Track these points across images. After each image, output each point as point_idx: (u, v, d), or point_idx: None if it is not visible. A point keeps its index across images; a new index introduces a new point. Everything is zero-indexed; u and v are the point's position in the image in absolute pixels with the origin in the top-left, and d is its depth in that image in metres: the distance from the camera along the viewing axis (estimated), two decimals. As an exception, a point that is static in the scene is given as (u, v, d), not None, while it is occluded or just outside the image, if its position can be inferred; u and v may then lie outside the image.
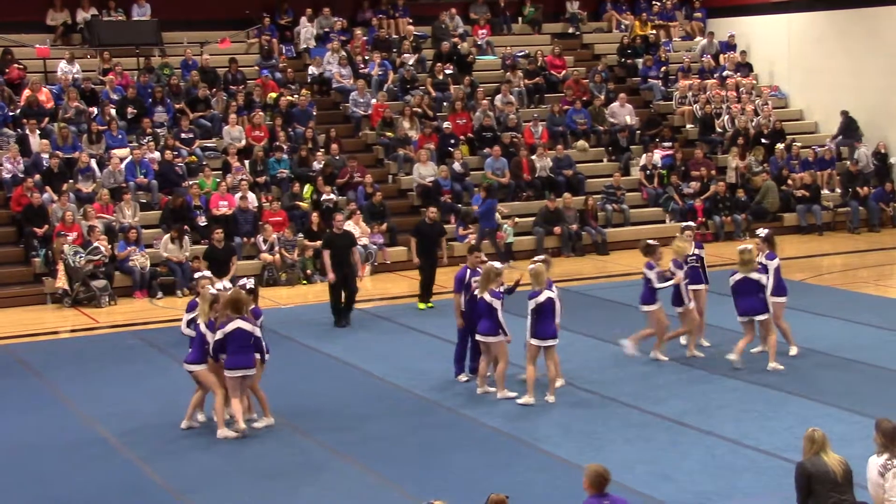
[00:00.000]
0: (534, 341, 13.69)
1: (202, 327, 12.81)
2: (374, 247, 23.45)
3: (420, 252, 19.25)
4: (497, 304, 13.72)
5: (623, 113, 28.51)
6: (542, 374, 14.01)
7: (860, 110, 28.48)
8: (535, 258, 14.50)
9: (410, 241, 19.79)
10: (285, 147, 25.15)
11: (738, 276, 14.96)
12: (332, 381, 15.31)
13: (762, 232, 15.90)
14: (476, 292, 14.05)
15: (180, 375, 14.36)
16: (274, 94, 26.75)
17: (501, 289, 13.85)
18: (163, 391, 14.84)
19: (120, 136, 24.45)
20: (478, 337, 14.10)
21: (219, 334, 12.62)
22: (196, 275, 13.95)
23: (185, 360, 13.05)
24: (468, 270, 14.68)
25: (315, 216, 23.31)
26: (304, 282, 22.59)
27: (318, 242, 22.87)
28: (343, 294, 18.32)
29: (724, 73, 30.57)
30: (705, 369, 15.12)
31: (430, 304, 19.39)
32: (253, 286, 13.33)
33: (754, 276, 14.89)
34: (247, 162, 24.67)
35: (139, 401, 14.53)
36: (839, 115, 28.64)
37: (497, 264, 14.22)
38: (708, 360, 15.55)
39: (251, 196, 23.45)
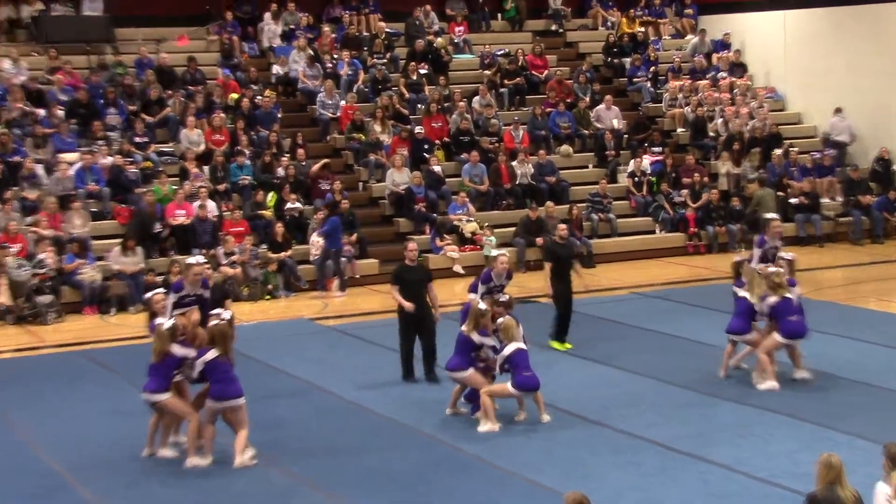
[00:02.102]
0: (516, 392, 13.80)
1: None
2: (344, 259, 23.37)
3: (555, 278, 17.30)
4: (488, 340, 13.88)
5: (609, 116, 28.56)
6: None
7: (861, 112, 28.65)
8: (502, 300, 14.66)
9: (545, 268, 17.47)
10: (247, 152, 25.06)
11: (774, 299, 15.08)
12: (300, 406, 15.21)
13: (788, 255, 16.14)
14: (463, 328, 14.06)
15: (133, 397, 14.22)
16: (235, 95, 26.67)
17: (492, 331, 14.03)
18: (117, 416, 14.70)
19: (69, 140, 24.31)
20: (448, 373, 14.25)
21: (199, 364, 12.54)
22: (148, 294, 13.74)
23: (146, 388, 12.76)
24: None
25: (279, 226, 23.23)
26: (268, 297, 22.49)
27: (283, 254, 22.89)
28: (419, 340, 15.98)
29: (718, 74, 30.69)
30: (699, 391, 15.11)
31: (567, 345, 17.45)
32: (231, 316, 13.13)
33: (791, 295, 15.13)
34: (206, 168, 24.58)
35: (91, 427, 14.39)
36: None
37: (482, 305, 14.16)
38: (702, 381, 15.54)
39: (211, 205, 23.34)
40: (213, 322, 12.67)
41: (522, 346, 13.87)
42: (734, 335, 15.54)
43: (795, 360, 15.45)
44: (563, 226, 18.30)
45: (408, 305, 15.74)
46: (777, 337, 15.15)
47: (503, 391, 13.84)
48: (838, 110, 28.77)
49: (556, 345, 17.36)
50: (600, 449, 12.99)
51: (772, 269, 15.42)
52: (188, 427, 12.79)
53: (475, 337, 13.87)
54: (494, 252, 15.82)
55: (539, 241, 24.58)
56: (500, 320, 14.06)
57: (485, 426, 13.71)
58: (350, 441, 13.55)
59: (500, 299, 14.82)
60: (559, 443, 13.23)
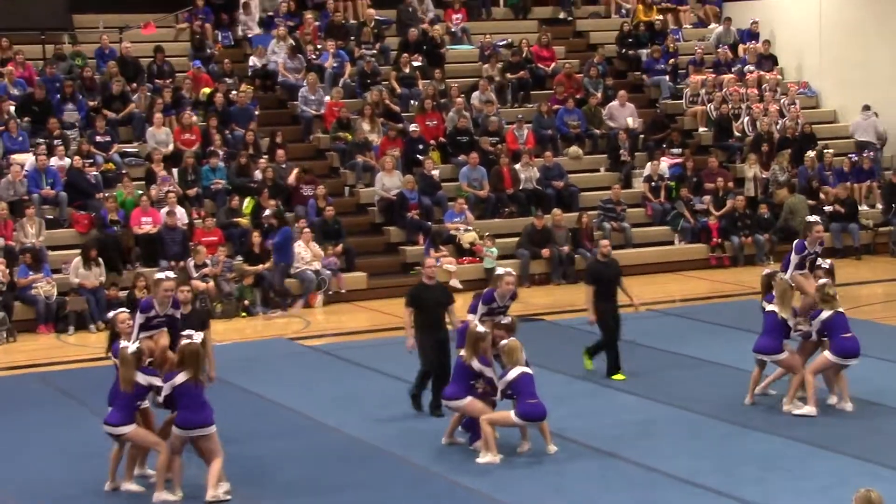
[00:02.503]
0: (519, 421, 13.86)
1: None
2: (328, 272, 23.46)
3: (599, 301, 17.11)
4: (488, 371, 13.95)
5: (624, 114, 28.67)
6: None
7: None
8: (503, 323, 14.76)
9: (586, 291, 17.27)
10: (221, 153, 25.15)
11: (828, 314, 15.20)
12: (278, 433, 15.25)
13: (826, 263, 16.25)
14: (461, 354, 14.13)
15: (93, 426, 14.24)
16: (208, 90, 26.77)
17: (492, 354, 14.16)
18: (75, 446, 14.73)
19: (21, 139, 24.39)
20: (444, 402, 14.35)
21: (166, 388, 12.59)
22: (112, 313, 13.76)
23: (109, 420, 12.76)
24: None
25: (256, 235, 23.31)
26: (243, 314, 22.56)
27: (261, 267, 22.97)
28: (435, 369, 15.66)
29: (744, 67, 30.81)
30: (721, 419, 15.17)
31: (622, 376, 17.22)
32: (203, 338, 13.14)
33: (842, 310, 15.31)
34: (175, 171, 24.64)
35: (47, 459, 14.41)
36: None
37: (481, 328, 14.22)
38: (725, 408, 15.60)
39: (180, 211, 23.42)
40: (184, 342, 12.71)
41: (527, 370, 13.95)
42: (763, 355, 15.57)
43: (842, 387, 15.47)
44: (605, 241, 18.08)
45: (409, 343, 15.60)
46: (829, 356, 15.22)
47: (505, 420, 13.91)
48: (866, 107, 28.87)
49: (618, 377, 17.15)
50: (613, 483, 13.03)
51: (823, 280, 15.51)
52: (158, 459, 12.82)
53: (475, 364, 13.95)
54: (499, 270, 15.60)
55: (545, 252, 24.70)
56: (502, 342, 14.15)
57: (485, 457, 13.76)
58: (334, 473, 13.59)
59: (502, 321, 14.90)
60: (567, 476, 13.27)
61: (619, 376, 17.14)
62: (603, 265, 17.49)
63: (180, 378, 12.55)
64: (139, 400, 12.76)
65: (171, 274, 14.00)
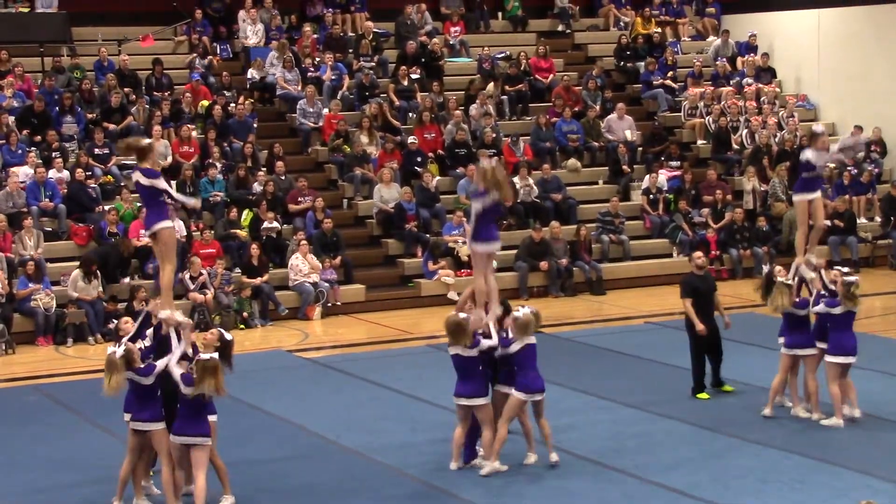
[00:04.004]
0: (518, 394, 13.73)
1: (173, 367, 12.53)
2: (326, 285, 23.50)
3: (699, 315, 16.71)
4: (486, 343, 13.70)
5: (622, 126, 28.72)
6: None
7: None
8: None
9: (683, 303, 16.86)
10: (220, 165, 25.20)
11: (842, 309, 15.32)
12: (276, 446, 15.28)
13: (845, 270, 16.26)
14: (449, 350, 14.01)
15: (93, 439, 14.31)
16: (206, 102, 26.81)
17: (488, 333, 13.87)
18: (72, 458, 14.77)
19: (20, 152, 24.43)
20: (461, 402, 13.91)
21: (175, 369, 12.47)
22: (116, 320, 13.74)
23: (140, 417, 12.65)
24: None
25: (255, 248, 23.35)
26: (242, 326, 22.58)
27: (259, 280, 22.99)
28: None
29: (743, 80, 30.87)
30: (719, 432, 15.21)
31: (707, 395, 16.98)
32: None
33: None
34: (173, 183, 24.64)
35: (44, 470, 14.44)
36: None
37: (462, 314, 13.95)
38: (723, 421, 15.64)
39: (179, 223, 23.45)
40: (203, 356, 12.57)
41: (533, 340, 13.81)
42: (800, 350, 15.58)
43: (852, 397, 15.54)
44: (699, 253, 17.59)
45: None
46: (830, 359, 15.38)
47: (513, 407, 13.80)
48: (858, 128, 28.81)
49: (702, 396, 16.81)
50: (611, 496, 13.07)
51: (853, 277, 15.48)
52: (162, 474, 12.72)
53: (464, 352, 13.71)
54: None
55: (543, 265, 24.72)
56: (517, 313, 13.79)
57: (489, 466, 13.72)
58: (331, 486, 13.62)
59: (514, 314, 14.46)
60: (565, 489, 13.29)
61: (703, 395, 16.78)
62: (698, 278, 16.99)
63: (189, 391, 12.49)
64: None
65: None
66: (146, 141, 13.56)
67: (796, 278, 15.74)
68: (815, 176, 16.07)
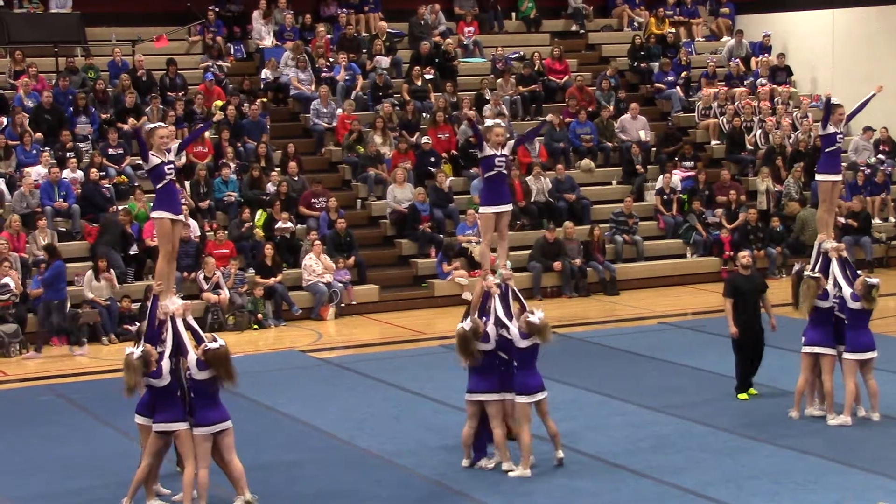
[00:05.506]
0: (521, 399, 13.75)
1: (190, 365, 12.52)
2: (340, 285, 23.52)
3: (738, 315, 16.58)
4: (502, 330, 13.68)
5: (636, 127, 28.72)
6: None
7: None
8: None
9: (725, 303, 16.76)
10: (233, 166, 25.25)
11: (859, 305, 15.43)
12: (290, 446, 15.29)
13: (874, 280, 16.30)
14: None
15: (107, 439, 14.33)
16: (220, 103, 26.85)
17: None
18: (88, 460, 14.79)
19: (34, 152, 24.49)
20: (474, 397, 13.86)
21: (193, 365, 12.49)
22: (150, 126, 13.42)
23: (163, 418, 12.62)
24: None
25: (269, 248, 23.39)
26: (255, 326, 22.63)
27: (272, 280, 23.04)
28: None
29: (757, 80, 30.85)
30: (732, 432, 15.21)
31: (747, 395, 16.94)
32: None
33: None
34: (187, 183, 24.72)
35: (58, 471, 14.47)
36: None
37: (466, 294, 13.96)
38: (736, 421, 15.64)
39: (192, 224, 23.49)
40: (212, 345, 12.62)
41: (539, 341, 13.73)
42: (819, 347, 15.55)
43: (874, 397, 15.60)
44: (744, 253, 17.21)
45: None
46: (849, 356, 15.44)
47: (523, 411, 13.69)
48: (869, 129, 28.84)
49: (742, 396, 16.78)
50: (624, 496, 13.07)
51: (875, 279, 15.64)
52: (185, 475, 12.67)
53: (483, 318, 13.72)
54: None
55: (557, 265, 24.73)
56: (533, 317, 13.67)
57: (517, 471, 13.67)
58: (345, 486, 13.62)
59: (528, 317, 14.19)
60: (578, 490, 13.30)
61: (743, 395, 16.76)
62: (743, 278, 16.77)
63: (203, 375, 12.50)
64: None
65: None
66: (149, 126, 13.52)
67: (819, 260, 15.74)
68: (837, 150, 16.22)
